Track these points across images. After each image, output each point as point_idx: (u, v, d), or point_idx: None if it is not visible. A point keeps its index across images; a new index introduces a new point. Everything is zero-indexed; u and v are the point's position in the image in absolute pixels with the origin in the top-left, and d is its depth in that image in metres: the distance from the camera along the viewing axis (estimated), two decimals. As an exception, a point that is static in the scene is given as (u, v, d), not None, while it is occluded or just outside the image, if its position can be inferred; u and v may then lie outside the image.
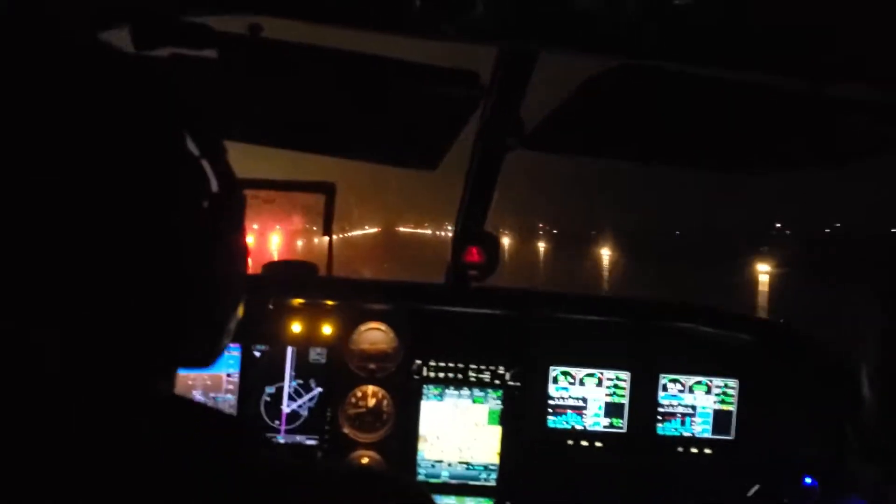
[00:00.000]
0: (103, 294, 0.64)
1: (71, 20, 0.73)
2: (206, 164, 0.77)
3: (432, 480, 2.46)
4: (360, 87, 1.52)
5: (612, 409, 2.53)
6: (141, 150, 0.67)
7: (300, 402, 2.45)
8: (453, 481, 2.46)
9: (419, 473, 2.46)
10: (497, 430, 2.49)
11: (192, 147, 0.75)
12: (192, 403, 0.73)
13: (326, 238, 2.52)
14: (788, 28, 1.21)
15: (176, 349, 0.75)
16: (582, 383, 2.53)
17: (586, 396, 2.53)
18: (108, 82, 0.67)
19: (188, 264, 0.72)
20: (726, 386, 2.54)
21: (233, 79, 1.43)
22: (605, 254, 58.15)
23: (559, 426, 2.52)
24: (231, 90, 1.49)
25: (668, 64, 1.35)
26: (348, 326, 2.49)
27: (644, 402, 2.53)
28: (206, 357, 0.80)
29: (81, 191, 0.62)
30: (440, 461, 2.47)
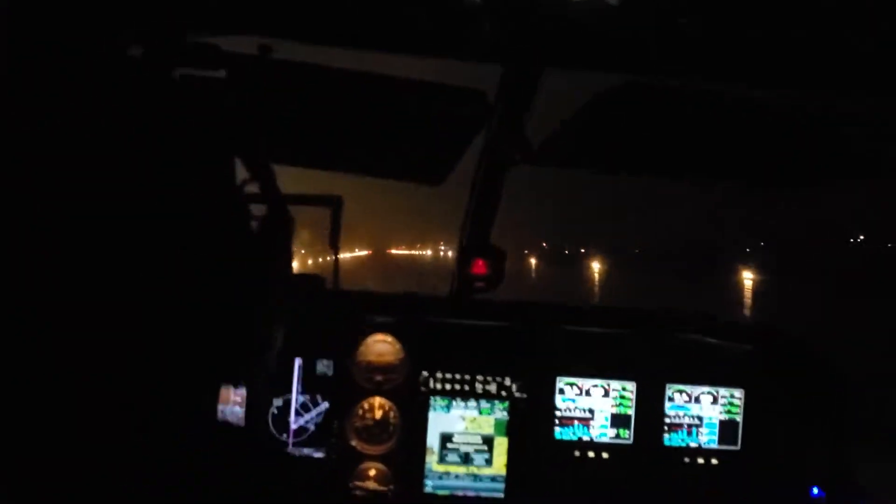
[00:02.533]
0: (150, 311, 0.65)
1: (84, 40, 0.74)
2: (255, 187, 0.77)
3: (440, 492, 2.46)
4: (369, 106, 1.54)
5: (618, 420, 2.54)
6: (192, 172, 0.68)
7: (307, 416, 2.46)
8: (460, 493, 2.46)
9: (426, 485, 2.47)
10: (504, 442, 2.49)
11: (242, 170, 0.76)
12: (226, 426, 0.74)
13: (334, 251, 2.52)
14: (795, 42, 1.22)
15: (220, 365, 0.76)
16: (588, 394, 2.53)
17: (593, 407, 2.53)
18: (162, 105, 0.68)
19: (235, 285, 0.72)
20: (732, 396, 2.55)
21: (242, 98, 1.45)
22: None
23: (566, 437, 2.53)
24: (239, 109, 1.50)
25: (673, 80, 1.36)
26: (355, 338, 2.50)
27: (650, 414, 2.53)
28: (248, 374, 0.80)
29: (135, 211, 0.63)
30: (447, 472, 2.48)
